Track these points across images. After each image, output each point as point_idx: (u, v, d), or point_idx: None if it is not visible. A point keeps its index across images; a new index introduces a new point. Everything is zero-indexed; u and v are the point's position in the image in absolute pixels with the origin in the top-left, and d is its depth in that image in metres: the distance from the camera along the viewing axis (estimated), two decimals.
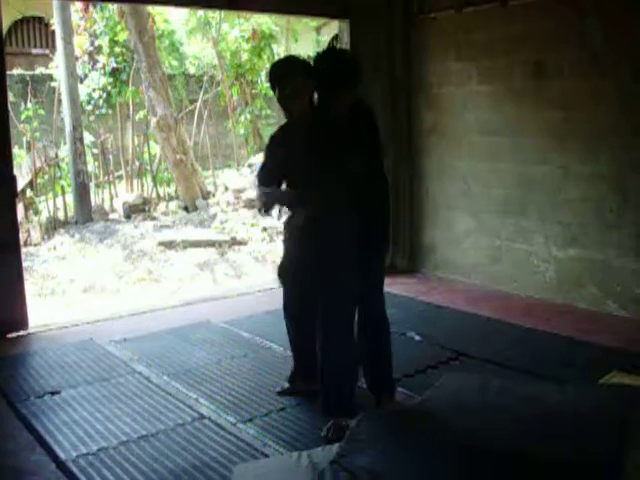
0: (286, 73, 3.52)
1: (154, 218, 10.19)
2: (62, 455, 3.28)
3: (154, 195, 10.99)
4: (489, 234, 6.09)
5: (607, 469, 2.70)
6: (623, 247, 5.18)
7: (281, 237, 3.95)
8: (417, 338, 4.76)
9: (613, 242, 5.23)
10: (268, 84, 3.61)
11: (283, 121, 3.62)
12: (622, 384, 3.70)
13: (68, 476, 3.11)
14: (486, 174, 6.05)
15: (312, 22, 14.60)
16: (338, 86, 3.57)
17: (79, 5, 11.58)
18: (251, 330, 5.07)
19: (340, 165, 3.44)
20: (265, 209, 3.64)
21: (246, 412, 3.72)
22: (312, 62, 3.65)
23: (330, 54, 3.89)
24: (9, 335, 5.06)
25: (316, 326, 3.50)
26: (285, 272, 3.78)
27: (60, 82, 10.26)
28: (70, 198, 10.12)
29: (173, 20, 12.95)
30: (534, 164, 5.67)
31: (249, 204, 10.19)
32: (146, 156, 11.31)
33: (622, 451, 2.83)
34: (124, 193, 10.98)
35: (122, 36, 11.60)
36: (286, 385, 3.98)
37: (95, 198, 10.54)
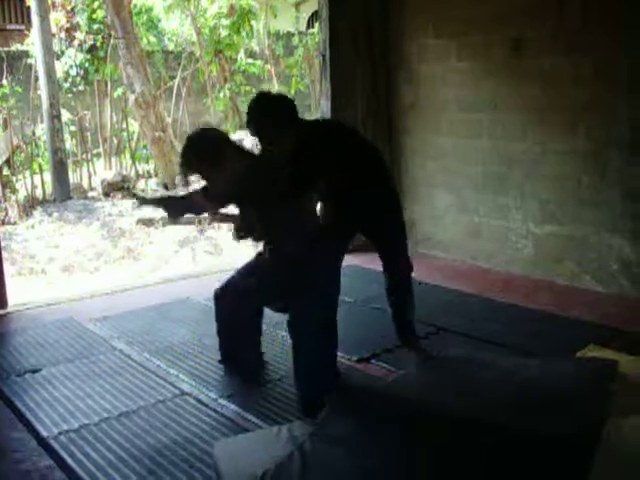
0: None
1: (133, 196, 10.13)
2: (43, 432, 3.29)
3: (133, 173, 10.91)
4: (468, 210, 6.12)
5: (585, 440, 2.75)
6: (600, 223, 5.22)
7: None
8: None
9: (590, 219, 5.27)
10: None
11: None
12: (598, 357, 3.75)
13: (50, 453, 3.12)
14: (465, 150, 6.06)
15: None
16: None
17: None
18: None
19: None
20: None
21: (227, 388, 3.74)
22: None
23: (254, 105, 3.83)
24: None
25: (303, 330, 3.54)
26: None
27: (36, 59, 10.13)
28: (48, 176, 10.02)
29: None
30: (512, 141, 5.68)
31: None
32: (124, 133, 11.20)
33: (599, 422, 2.88)
34: (102, 171, 10.89)
35: (99, 13, 11.44)
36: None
37: (73, 176, 10.44)
